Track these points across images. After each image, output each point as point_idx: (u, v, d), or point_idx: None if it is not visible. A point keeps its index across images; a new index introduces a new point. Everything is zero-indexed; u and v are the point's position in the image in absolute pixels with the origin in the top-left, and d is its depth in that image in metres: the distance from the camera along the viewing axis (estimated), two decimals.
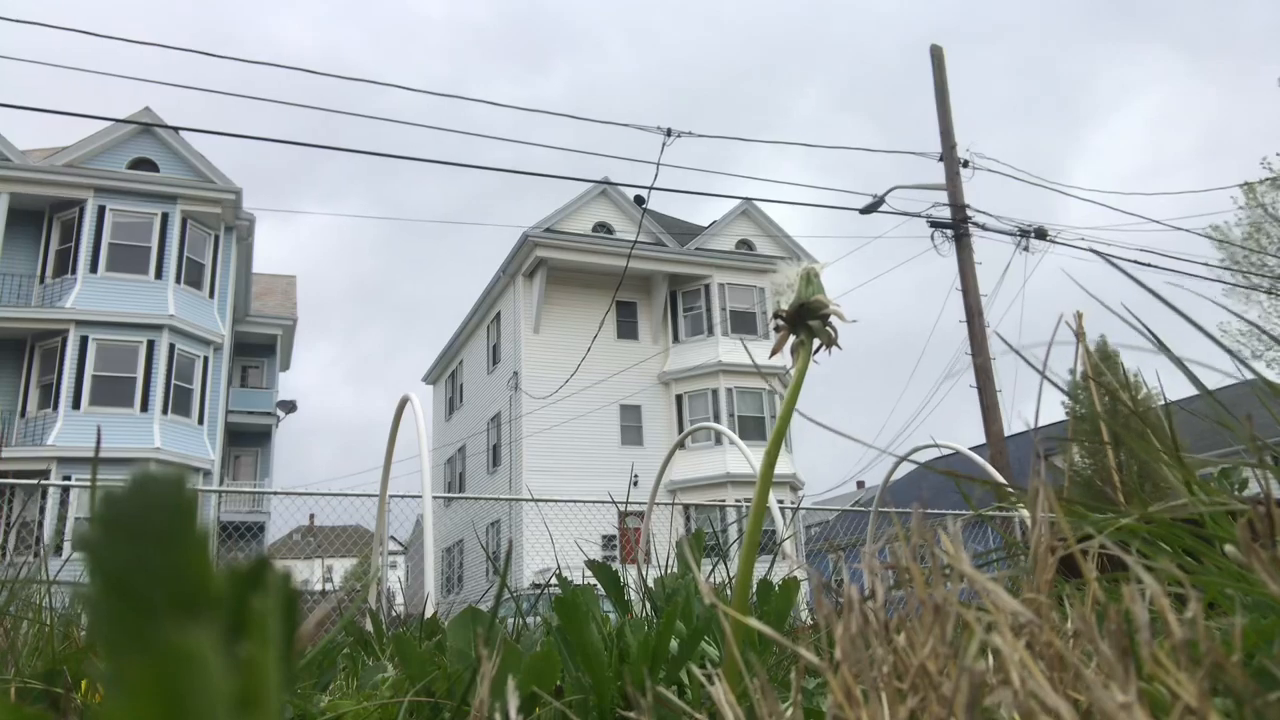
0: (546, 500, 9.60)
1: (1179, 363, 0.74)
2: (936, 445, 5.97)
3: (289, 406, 29.86)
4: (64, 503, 14.79)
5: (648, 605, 1.34)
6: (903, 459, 4.73)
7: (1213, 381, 0.81)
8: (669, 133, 13.26)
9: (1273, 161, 22.40)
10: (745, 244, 26.94)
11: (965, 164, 13.87)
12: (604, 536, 15.36)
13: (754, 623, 0.53)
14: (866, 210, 13.99)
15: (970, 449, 5.64)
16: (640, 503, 8.33)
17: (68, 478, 16.51)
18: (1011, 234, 13.74)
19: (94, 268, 20.07)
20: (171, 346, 20.18)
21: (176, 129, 19.70)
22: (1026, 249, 13.68)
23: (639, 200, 24.09)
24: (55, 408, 19.02)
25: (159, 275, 20.46)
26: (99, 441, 1.04)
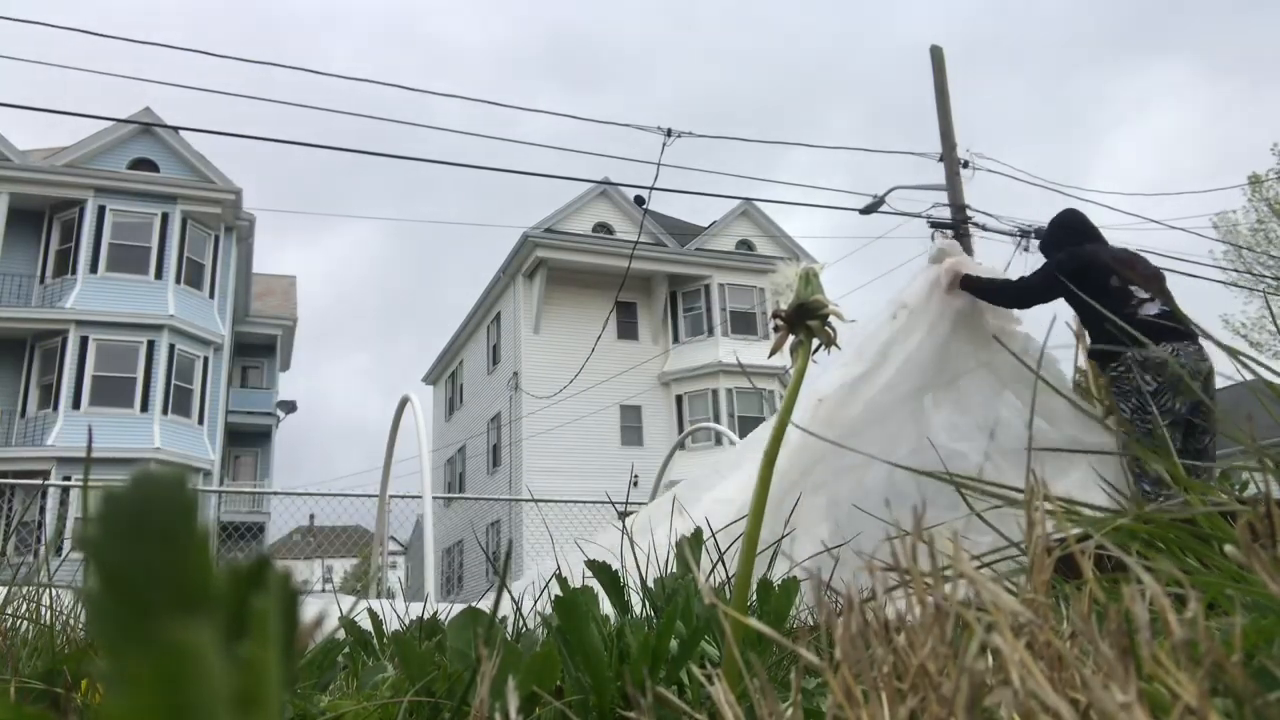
0: (546, 500, 9.60)
1: (1166, 365, 0.74)
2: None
3: (289, 407, 29.86)
4: (64, 503, 14.78)
5: (647, 605, 1.34)
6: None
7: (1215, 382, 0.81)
8: (669, 133, 13.26)
9: None
10: (745, 244, 26.94)
11: (965, 164, 13.87)
12: None
13: (754, 623, 0.53)
14: (866, 210, 13.99)
15: None
16: (640, 503, 8.33)
17: (68, 478, 16.49)
18: (1011, 234, 13.74)
19: (94, 268, 20.07)
20: (171, 346, 20.18)
21: (176, 129, 19.70)
22: (1026, 249, 13.68)
23: (639, 200, 24.09)
24: (55, 408, 19.02)
25: (159, 275, 20.46)
26: (90, 441, 1.04)
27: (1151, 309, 3.43)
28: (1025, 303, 3.56)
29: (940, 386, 3.23)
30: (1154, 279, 3.61)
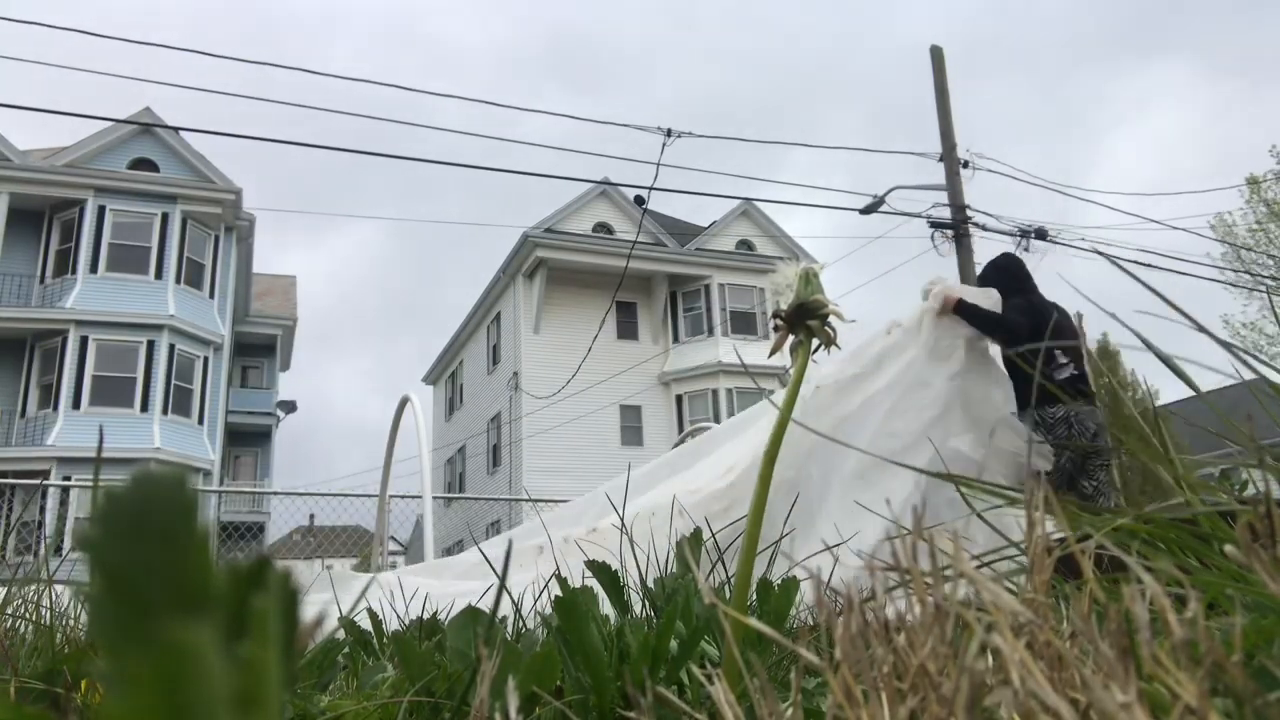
0: (546, 500, 9.59)
1: (1169, 364, 0.74)
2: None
3: (289, 407, 29.86)
4: (64, 503, 14.78)
5: (647, 605, 1.34)
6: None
7: (1214, 381, 0.81)
8: (669, 133, 13.26)
9: None
10: (745, 244, 26.94)
11: (965, 164, 13.87)
12: None
13: (754, 622, 0.53)
14: (867, 210, 13.99)
15: None
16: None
17: (68, 478, 16.50)
18: (1012, 234, 13.74)
19: (94, 268, 20.07)
20: (171, 346, 20.18)
21: (176, 129, 19.70)
22: (1027, 249, 13.68)
23: (639, 200, 24.09)
24: (55, 408, 19.02)
25: (159, 275, 20.46)
26: (101, 441, 1.04)
27: (1065, 373, 3.96)
28: (1011, 344, 3.81)
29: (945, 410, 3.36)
30: (1074, 339, 4.06)
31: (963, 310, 3.66)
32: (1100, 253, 12.40)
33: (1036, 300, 4.15)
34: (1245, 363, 0.70)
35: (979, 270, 4.64)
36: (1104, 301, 0.85)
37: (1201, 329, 0.71)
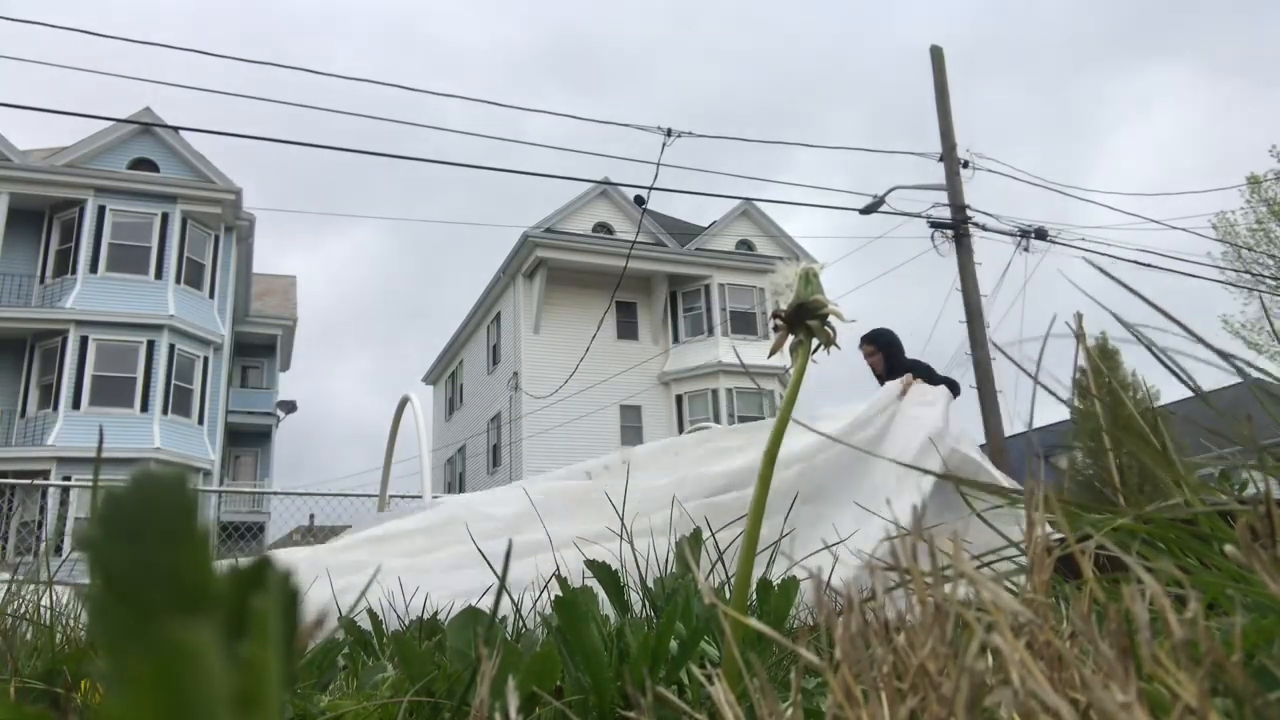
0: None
1: (1168, 365, 0.74)
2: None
3: (289, 407, 29.86)
4: (64, 503, 14.78)
5: (647, 605, 1.34)
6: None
7: (1214, 381, 0.81)
8: (669, 133, 13.26)
9: None
10: (745, 244, 26.94)
11: (965, 164, 13.87)
12: None
13: (754, 622, 0.53)
14: (866, 210, 13.99)
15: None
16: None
17: (68, 478, 16.49)
18: (1012, 234, 13.74)
19: (94, 268, 20.07)
20: (171, 346, 20.18)
21: (176, 129, 19.70)
22: (1027, 249, 13.68)
23: (639, 200, 24.09)
24: (55, 408, 19.02)
25: (159, 275, 20.46)
26: (101, 441, 1.05)
27: None
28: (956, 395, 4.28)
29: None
30: None
31: (921, 376, 4.05)
32: (1091, 263, 12.40)
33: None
34: (1240, 368, 0.70)
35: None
36: (1104, 301, 0.85)
37: (1195, 336, 0.71)
